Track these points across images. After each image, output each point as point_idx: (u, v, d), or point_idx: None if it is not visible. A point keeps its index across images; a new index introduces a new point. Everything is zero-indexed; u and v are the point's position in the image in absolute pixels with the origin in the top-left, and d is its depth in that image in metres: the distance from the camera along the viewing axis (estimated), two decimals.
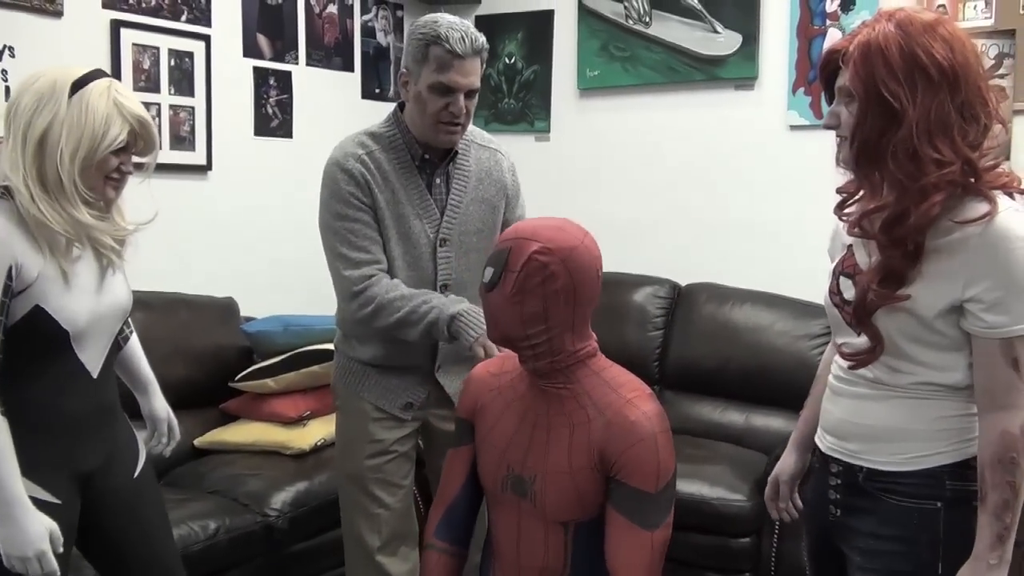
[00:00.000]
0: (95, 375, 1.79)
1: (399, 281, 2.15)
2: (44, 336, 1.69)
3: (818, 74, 1.57)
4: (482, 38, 2.10)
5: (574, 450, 1.56)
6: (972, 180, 1.41)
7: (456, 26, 2.05)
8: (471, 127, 2.25)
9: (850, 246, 1.57)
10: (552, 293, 1.52)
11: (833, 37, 3.47)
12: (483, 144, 2.29)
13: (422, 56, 2.06)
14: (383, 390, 2.25)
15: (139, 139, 1.77)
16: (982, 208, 1.39)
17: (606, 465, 1.54)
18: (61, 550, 1.65)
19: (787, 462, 1.84)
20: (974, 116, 1.41)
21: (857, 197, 1.54)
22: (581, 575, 1.60)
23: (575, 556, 1.59)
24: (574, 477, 1.55)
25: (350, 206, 2.12)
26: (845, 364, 1.56)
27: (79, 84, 1.69)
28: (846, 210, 1.57)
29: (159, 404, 2.10)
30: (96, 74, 1.73)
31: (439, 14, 2.11)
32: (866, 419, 1.53)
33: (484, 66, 2.13)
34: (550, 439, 1.59)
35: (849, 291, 1.53)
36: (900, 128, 1.39)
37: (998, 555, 1.41)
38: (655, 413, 1.55)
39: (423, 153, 2.17)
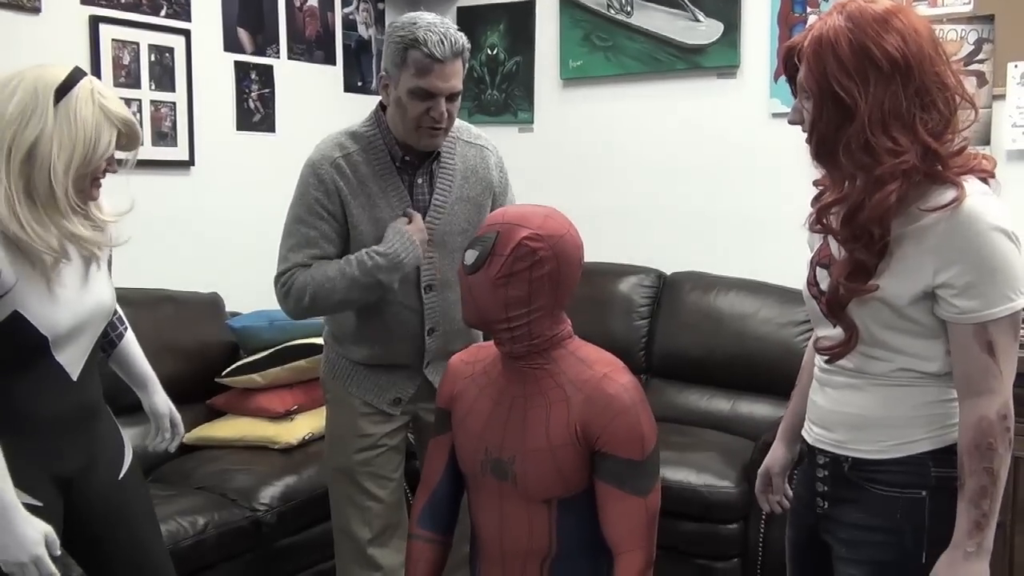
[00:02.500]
0: (75, 377, 1.77)
1: (315, 263, 2.10)
2: (22, 342, 1.66)
3: (782, 69, 1.57)
4: (463, 39, 2.04)
5: (553, 427, 1.58)
6: (937, 167, 1.40)
7: (435, 27, 1.99)
8: (458, 122, 2.21)
9: (827, 236, 1.56)
10: (538, 279, 1.55)
11: None
12: (469, 140, 2.24)
13: (401, 60, 2.01)
14: (371, 386, 2.25)
15: (123, 136, 1.75)
16: (949, 194, 1.39)
17: (590, 440, 1.56)
18: (58, 552, 1.64)
19: (777, 454, 1.85)
20: (932, 103, 1.40)
21: None
22: (566, 553, 1.62)
23: (559, 535, 1.61)
24: (554, 454, 1.57)
25: (311, 212, 2.10)
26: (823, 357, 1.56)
27: (63, 90, 1.65)
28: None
29: (160, 399, 2.09)
30: (76, 76, 1.68)
31: (418, 13, 2.04)
32: (849, 408, 1.53)
33: (466, 66, 2.08)
34: (527, 418, 1.61)
35: (826, 282, 1.53)
36: (854, 122, 1.39)
37: (976, 543, 1.40)
38: (632, 384, 1.59)
39: (403, 155, 2.14)
